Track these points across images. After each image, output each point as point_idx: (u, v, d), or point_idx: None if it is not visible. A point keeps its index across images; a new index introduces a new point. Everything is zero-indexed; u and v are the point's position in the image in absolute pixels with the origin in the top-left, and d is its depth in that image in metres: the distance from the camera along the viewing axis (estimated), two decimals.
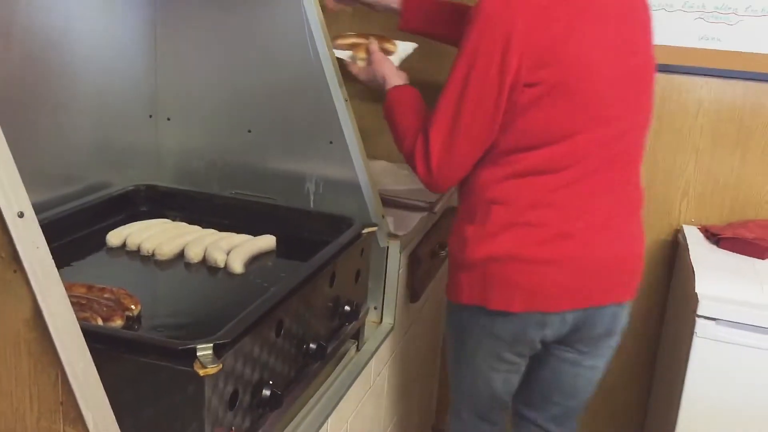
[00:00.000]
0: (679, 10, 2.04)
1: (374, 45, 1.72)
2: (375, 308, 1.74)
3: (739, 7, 1.99)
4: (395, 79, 1.65)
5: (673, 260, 2.22)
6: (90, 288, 1.20)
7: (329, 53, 1.61)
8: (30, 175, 0.69)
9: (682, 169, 2.13)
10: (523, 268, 1.44)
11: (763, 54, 2.01)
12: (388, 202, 1.93)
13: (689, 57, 2.07)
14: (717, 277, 1.81)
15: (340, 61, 1.69)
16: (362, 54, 1.74)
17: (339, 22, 2.08)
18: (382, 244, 1.71)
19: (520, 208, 1.43)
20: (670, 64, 2.08)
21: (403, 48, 1.82)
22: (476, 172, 1.48)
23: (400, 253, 1.73)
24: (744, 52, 2.02)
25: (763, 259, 1.87)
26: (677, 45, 2.07)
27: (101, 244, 1.50)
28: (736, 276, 1.82)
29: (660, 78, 2.09)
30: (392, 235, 1.73)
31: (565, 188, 1.42)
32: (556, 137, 1.38)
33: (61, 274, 0.70)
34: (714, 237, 1.97)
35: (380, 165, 2.31)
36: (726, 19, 2.01)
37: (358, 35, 1.78)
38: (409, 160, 1.51)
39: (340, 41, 1.76)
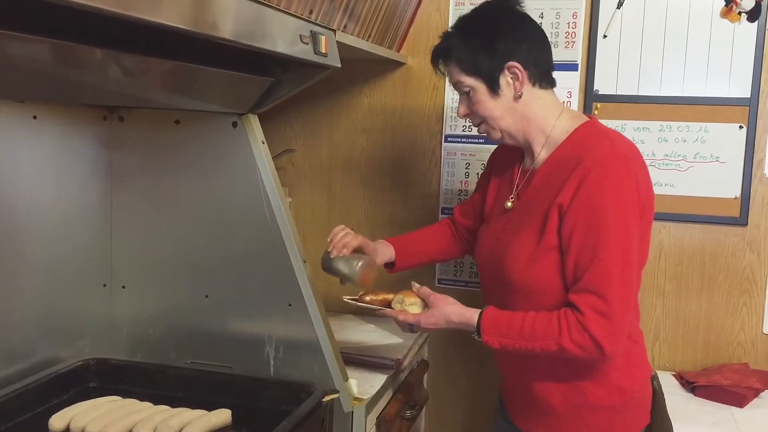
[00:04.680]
0: None
1: (425, 288, 1.58)
2: None
3: (687, 154, 2.05)
4: (469, 309, 1.49)
5: None
6: None
7: (285, 213, 1.60)
8: None
9: (650, 312, 2.10)
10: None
11: (715, 198, 2.04)
12: (353, 360, 1.87)
13: None
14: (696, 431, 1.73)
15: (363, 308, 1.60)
16: (411, 299, 1.56)
17: None
18: (346, 409, 1.63)
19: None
20: None
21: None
22: None
23: (366, 417, 1.65)
24: (697, 197, 2.06)
25: (741, 407, 1.81)
26: None
27: (44, 428, 1.40)
28: (715, 429, 1.73)
29: None
30: (356, 399, 1.66)
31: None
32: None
33: None
34: (689, 384, 1.92)
35: (345, 321, 2.27)
36: (677, 166, 2.06)
37: (375, 291, 1.62)
38: (571, 350, 1.38)
39: (371, 297, 1.61)
